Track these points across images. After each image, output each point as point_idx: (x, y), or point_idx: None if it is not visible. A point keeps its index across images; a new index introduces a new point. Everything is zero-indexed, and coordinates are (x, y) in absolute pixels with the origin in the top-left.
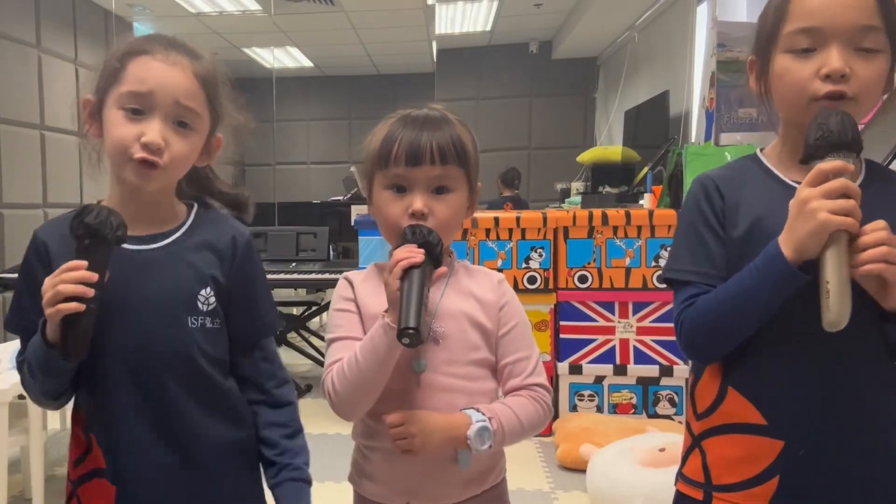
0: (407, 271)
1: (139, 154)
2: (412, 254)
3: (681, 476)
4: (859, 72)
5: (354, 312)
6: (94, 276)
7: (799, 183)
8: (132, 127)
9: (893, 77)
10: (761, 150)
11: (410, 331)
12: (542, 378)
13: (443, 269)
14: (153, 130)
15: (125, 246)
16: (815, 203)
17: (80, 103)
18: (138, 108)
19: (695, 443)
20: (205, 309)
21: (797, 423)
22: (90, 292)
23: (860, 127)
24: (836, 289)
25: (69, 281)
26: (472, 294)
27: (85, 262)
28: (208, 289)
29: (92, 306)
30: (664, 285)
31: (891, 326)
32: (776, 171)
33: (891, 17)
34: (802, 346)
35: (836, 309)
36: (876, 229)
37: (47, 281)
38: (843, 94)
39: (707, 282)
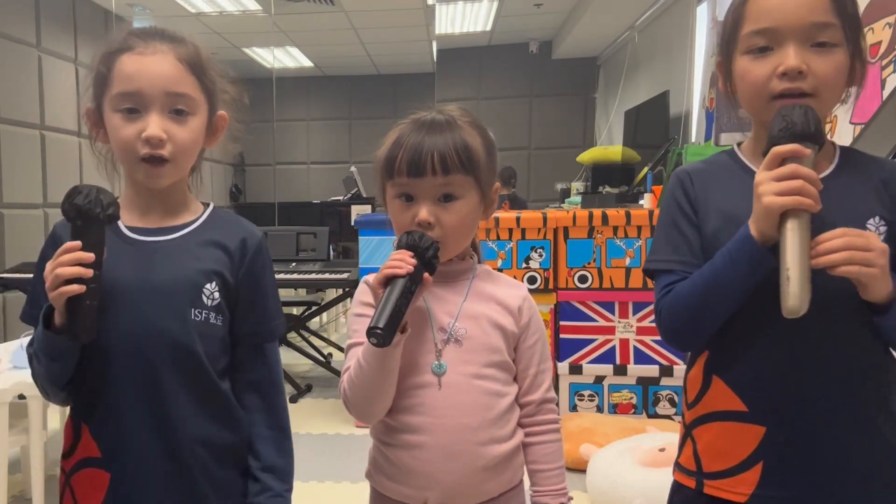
0: (392, 278)
1: (144, 150)
2: (400, 263)
3: (676, 465)
4: (816, 68)
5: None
6: (91, 257)
7: None
8: (131, 126)
9: (855, 70)
10: (738, 144)
11: (378, 330)
12: (552, 390)
13: (427, 279)
14: (152, 124)
15: (133, 235)
16: (763, 186)
17: (83, 113)
18: (132, 107)
19: (687, 432)
20: (209, 304)
21: (777, 409)
22: (88, 273)
23: (860, 127)
24: (795, 274)
25: (66, 263)
26: (495, 298)
27: (79, 244)
28: (213, 283)
29: (93, 286)
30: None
31: (876, 318)
32: (750, 165)
33: (846, 11)
34: (780, 332)
35: (796, 294)
36: (836, 236)
37: (48, 266)
38: (802, 91)
39: (685, 269)
